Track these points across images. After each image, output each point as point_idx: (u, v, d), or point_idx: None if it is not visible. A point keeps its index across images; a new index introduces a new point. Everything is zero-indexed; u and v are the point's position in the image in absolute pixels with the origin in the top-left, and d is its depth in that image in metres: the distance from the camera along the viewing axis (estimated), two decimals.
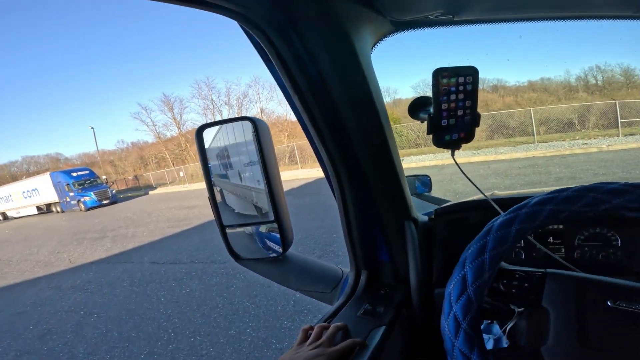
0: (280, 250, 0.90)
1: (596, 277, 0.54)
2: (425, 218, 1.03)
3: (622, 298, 0.49)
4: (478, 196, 1.01)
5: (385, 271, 0.96)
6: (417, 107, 0.75)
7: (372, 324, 0.77)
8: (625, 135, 11.70)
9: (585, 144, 11.15)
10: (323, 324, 0.73)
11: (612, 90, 15.82)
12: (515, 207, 0.53)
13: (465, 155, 12.14)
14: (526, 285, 0.58)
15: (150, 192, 24.22)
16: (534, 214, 0.51)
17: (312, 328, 0.72)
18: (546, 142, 12.71)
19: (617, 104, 12.58)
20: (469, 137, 0.74)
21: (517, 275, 0.59)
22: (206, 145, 0.86)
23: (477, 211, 0.99)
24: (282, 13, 0.60)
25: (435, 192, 1.47)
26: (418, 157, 13.05)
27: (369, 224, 0.91)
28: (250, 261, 0.99)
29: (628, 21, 0.78)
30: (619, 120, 12.37)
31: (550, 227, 0.93)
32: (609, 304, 0.50)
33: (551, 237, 0.93)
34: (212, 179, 0.88)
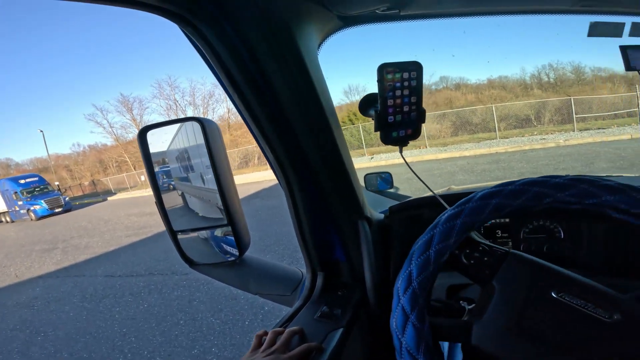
0: (237, 253, 0.88)
1: (551, 266, 0.54)
2: (382, 216, 1.04)
3: (566, 290, 0.50)
4: (441, 190, 1.05)
5: (343, 271, 0.95)
6: (367, 104, 0.74)
7: (329, 327, 0.77)
8: (580, 130, 12.48)
9: (544, 139, 11.77)
10: (277, 329, 0.72)
11: (563, 88, 16.93)
12: (461, 201, 0.54)
13: (432, 152, 12.49)
14: (486, 259, 0.57)
15: (109, 198, 23.14)
16: (480, 208, 0.52)
17: (266, 334, 0.70)
18: (507, 137, 13.34)
19: (572, 100, 13.40)
20: (415, 133, 0.74)
21: (480, 248, 0.58)
22: (164, 147, 0.83)
23: (431, 208, 0.99)
24: (217, 8, 0.57)
25: (405, 190, 1.51)
26: (387, 155, 13.23)
27: (322, 225, 0.90)
28: (205, 266, 0.97)
29: (573, 17, 0.83)
30: (574, 115, 13.17)
31: (497, 220, 0.97)
32: (553, 294, 0.50)
33: (499, 231, 0.98)
34: (172, 183, 0.86)
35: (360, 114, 0.77)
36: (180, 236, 0.90)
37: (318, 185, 0.84)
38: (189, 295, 4.30)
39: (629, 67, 0.80)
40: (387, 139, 0.72)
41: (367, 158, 13.57)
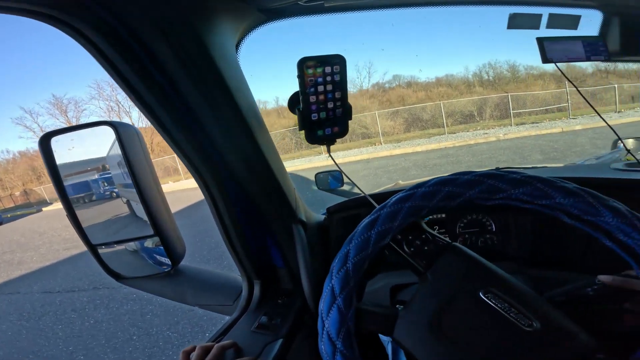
0: (171, 264, 0.82)
1: (486, 263, 0.53)
2: (322, 217, 1.01)
3: (493, 291, 0.49)
4: (390, 186, 1.05)
5: (282, 277, 0.92)
6: (294, 102, 0.69)
7: (267, 338, 0.73)
8: (517, 125, 13.58)
9: (486, 133, 12.63)
10: (206, 344, 0.66)
11: (501, 85, 18.35)
12: (413, 185, 0.52)
13: (387, 148, 12.86)
14: (426, 248, 0.56)
15: (44, 209, 20.99)
16: (394, 213, 0.50)
17: (194, 349, 0.65)
18: (454, 132, 14.14)
19: (509, 96, 14.54)
20: (343, 131, 0.71)
21: (423, 236, 0.57)
22: (104, 153, 0.77)
23: (369, 207, 1.00)
24: (104, 8, 0.50)
25: (362, 187, 1.38)
26: (344, 153, 13.42)
27: (254, 231, 0.86)
28: (135, 279, 0.90)
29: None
30: (511, 111, 14.30)
31: (435, 216, 0.98)
32: (480, 294, 0.49)
33: (436, 226, 0.98)
34: (116, 190, 0.81)
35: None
36: (104, 250, 0.83)
37: (243, 190, 0.80)
38: (141, 308, 4.02)
39: (545, 59, 0.80)
40: (312, 138, 0.69)
41: (325, 156, 13.67)
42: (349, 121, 0.72)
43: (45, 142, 0.71)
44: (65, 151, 0.75)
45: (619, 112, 13.74)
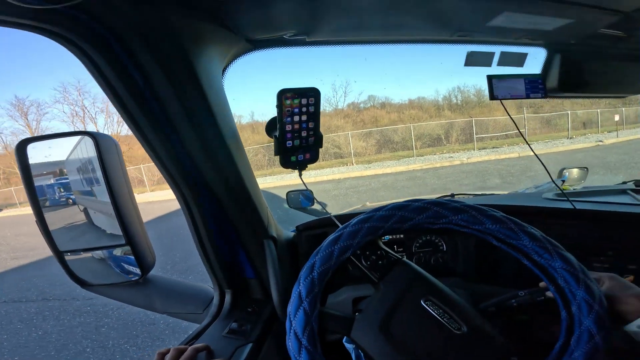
0: (140, 273, 0.84)
1: (427, 276, 0.62)
2: (292, 234, 1.09)
3: (431, 299, 0.58)
4: (359, 207, 1.03)
5: (254, 288, 0.97)
6: (271, 127, 0.76)
7: (237, 342, 0.77)
8: (479, 149, 14.31)
9: (451, 157, 13.24)
10: (180, 346, 0.69)
11: (468, 109, 19.25)
12: (342, 226, 0.60)
13: (358, 169, 13.10)
14: (380, 263, 0.63)
15: None
16: (355, 232, 0.58)
17: (169, 351, 0.67)
18: (422, 155, 14.65)
19: (473, 121, 15.33)
20: (313, 158, 0.77)
21: (379, 252, 0.64)
22: (63, 157, 0.77)
23: (335, 227, 1.07)
24: (106, 29, 0.55)
25: (332, 207, 1.47)
26: (317, 172, 13.52)
27: (228, 244, 0.91)
28: (101, 287, 0.91)
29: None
30: (474, 135, 15.08)
31: (394, 236, 1.08)
32: (421, 301, 0.57)
33: (395, 246, 1.09)
34: (72, 197, 0.80)
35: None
36: (69, 257, 0.84)
37: (220, 206, 0.85)
38: (95, 321, 3.81)
39: (492, 96, 0.86)
40: (286, 163, 0.74)
41: (296, 174, 13.69)
42: (320, 148, 0.79)
43: (21, 148, 0.72)
44: (42, 158, 0.76)
45: (570, 138, 14.87)
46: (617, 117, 14.83)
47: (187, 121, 0.70)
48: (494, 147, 14.24)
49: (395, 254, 0.65)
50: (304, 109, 0.70)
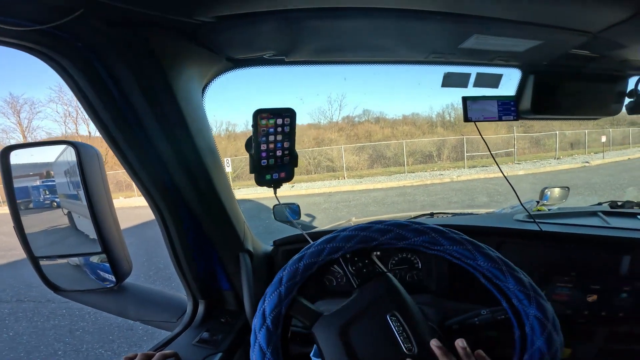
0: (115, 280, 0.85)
1: (401, 292, 0.63)
2: (270, 248, 1.11)
3: (396, 315, 0.59)
4: (343, 222, 1.06)
5: (227, 299, 0.98)
6: (249, 145, 0.76)
7: (206, 352, 0.78)
8: (469, 167, 14.48)
9: (441, 174, 13.37)
10: (148, 352, 0.70)
11: (460, 127, 19.42)
12: (306, 246, 0.62)
13: (350, 183, 13.15)
14: (364, 271, 0.66)
15: None
16: (319, 251, 0.60)
17: (136, 356, 0.68)
18: (413, 172, 14.76)
19: (464, 139, 15.51)
20: (288, 176, 0.79)
21: (366, 261, 0.67)
22: (51, 159, 0.78)
23: (307, 243, 1.08)
24: (85, 45, 0.56)
25: (322, 220, 1.47)
26: (308, 184, 13.53)
27: (203, 255, 0.92)
28: (74, 292, 0.92)
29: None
30: (465, 153, 15.27)
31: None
32: (387, 316, 0.59)
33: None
34: (57, 200, 0.81)
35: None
36: (44, 262, 0.84)
37: (195, 220, 0.86)
38: (70, 324, 3.72)
39: (466, 118, 0.87)
40: (260, 182, 0.76)
41: (288, 186, 13.70)
42: (295, 167, 0.80)
43: (4, 155, 0.74)
44: (29, 159, 0.78)
45: (557, 158, 15.16)
46: (604, 139, 15.21)
47: (164, 136, 0.71)
48: (483, 166, 14.45)
49: (383, 267, 0.67)
50: (279, 129, 0.71)
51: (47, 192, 0.82)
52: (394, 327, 0.58)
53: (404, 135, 18.53)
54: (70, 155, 0.78)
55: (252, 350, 0.56)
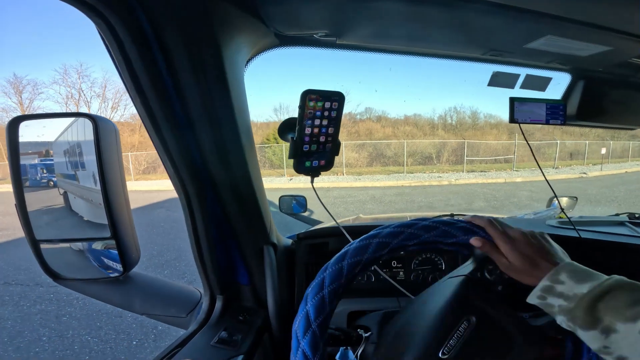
0: (122, 269, 0.78)
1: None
2: (289, 241, 1.05)
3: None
4: (351, 218, 1.18)
5: (245, 295, 0.93)
6: (286, 128, 0.72)
7: (227, 354, 0.73)
8: (468, 172, 14.54)
9: (440, 177, 13.40)
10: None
11: (461, 130, 19.54)
12: (349, 244, 0.57)
13: (348, 180, 13.11)
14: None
15: None
16: (363, 247, 0.55)
17: None
18: (412, 172, 14.81)
19: (465, 143, 15.55)
20: (328, 165, 0.75)
21: (381, 277, 0.67)
22: (52, 138, 0.74)
23: (337, 237, 1.04)
24: (139, 4, 0.52)
25: (319, 215, 1.54)
26: (306, 177, 13.27)
27: (225, 247, 0.87)
28: (77, 282, 0.85)
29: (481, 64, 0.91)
30: (465, 157, 15.31)
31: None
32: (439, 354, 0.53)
33: (394, 262, 1.08)
34: (54, 179, 0.76)
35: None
36: (44, 246, 0.78)
37: (223, 207, 0.81)
38: (57, 310, 3.65)
39: (512, 119, 0.85)
40: (299, 168, 0.71)
41: (286, 179, 13.64)
42: (336, 156, 0.75)
43: (13, 125, 0.69)
44: (34, 137, 0.73)
45: (556, 167, 15.26)
46: (603, 151, 15.34)
47: (204, 111, 0.66)
48: (482, 171, 14.51)
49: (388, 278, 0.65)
50: (325, 113, 0.66)
51: (45, 171, 0.78)
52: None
53: (405, 136, 18.56)
54: (73, 134, 0.74)
55: (294, 356, 0.51)
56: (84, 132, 0.74)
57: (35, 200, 0.79)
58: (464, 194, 9.92)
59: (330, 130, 0.69)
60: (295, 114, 0.67)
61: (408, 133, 19.40)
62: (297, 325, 0.52)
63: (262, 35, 0.72)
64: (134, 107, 0.64)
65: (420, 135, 19.28)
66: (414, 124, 20.77)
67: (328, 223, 1.30)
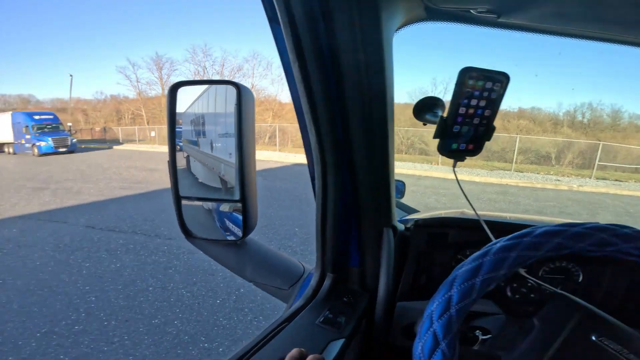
0: (240, 234, 0.83)
1: (597, 311, 0.55)
2: (402, 227, 1.00)
3: (606, 335, 0.50)
4: (453, 212, 1.07)
5: (353, 277, 0.92)
6: (424, 108, 0.70)
7: (331, 336, 0.72)
8: (597, 179, 12.15)
9: (558, 180, 11.50)
10: (317, 355, 0.62)
11: (595, 130, 16.42)
12: (517, 234, 0.50)
13: (443, 170, 12.24)
14: (532, 296, 0.60)
15: (115, 147, 22.97)
16: (538, 244, 0.49)
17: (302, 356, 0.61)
18: (521, 171, 13.12)
19: (600, 145, 12.92)
20: (477, 149, 0.69)
21: (529, 284, 0.59)
22: (181, 109, 0.80)
23: (458, 229, 0.97)
24: None
25: (407, 202, 1.43)
26: (397, 164, 12.94)
27: (346, 225, 0.86)
28: (203, 241, 0.91)
29: None
30: (597, 162, 12.73)
31: None
32: (593, 337, 0.51)
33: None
34: (180, 144, 0.82)
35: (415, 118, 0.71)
36: (184, 202, 0.85)
37: (355, 182, 0.80)
38: (166, 262, 4.16)
39: None
40: (444, 149, 0.66)
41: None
42: (487, 141, 0.69)
43: (173, 90, 0.76)
44: (188, 101, 0.80)
45: None
46: None
47: (355, 81, 0.65)
48: (616, 180, 11.93)
49: (550, 287, 0.59)
50: (485, 94, 0.61)
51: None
52: (610, 347, 0.49)
53: (518, 130, 16.58)
54: (198, 107, 0.81)
55: (419, 339, 0.48)
56: (208, 104, 0.81)
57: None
58: (587, 203, 8.43)
59: (487, 112, 0.64)
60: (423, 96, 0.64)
61: (522, 127, 17.27)
62: (434, 307, 0.49)
63: (412, 7, 0.67)
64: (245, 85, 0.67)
65: (538, 131, 17.01)
66: (531, 119, 18.37)
67: (430, 212, 1.21)
